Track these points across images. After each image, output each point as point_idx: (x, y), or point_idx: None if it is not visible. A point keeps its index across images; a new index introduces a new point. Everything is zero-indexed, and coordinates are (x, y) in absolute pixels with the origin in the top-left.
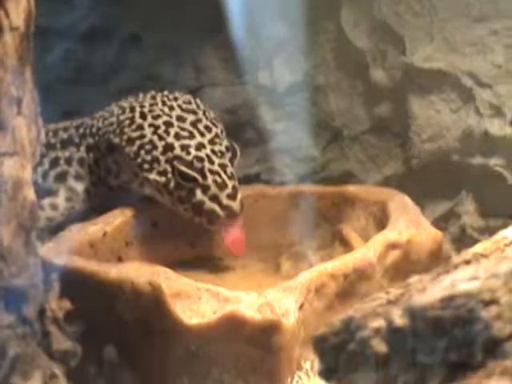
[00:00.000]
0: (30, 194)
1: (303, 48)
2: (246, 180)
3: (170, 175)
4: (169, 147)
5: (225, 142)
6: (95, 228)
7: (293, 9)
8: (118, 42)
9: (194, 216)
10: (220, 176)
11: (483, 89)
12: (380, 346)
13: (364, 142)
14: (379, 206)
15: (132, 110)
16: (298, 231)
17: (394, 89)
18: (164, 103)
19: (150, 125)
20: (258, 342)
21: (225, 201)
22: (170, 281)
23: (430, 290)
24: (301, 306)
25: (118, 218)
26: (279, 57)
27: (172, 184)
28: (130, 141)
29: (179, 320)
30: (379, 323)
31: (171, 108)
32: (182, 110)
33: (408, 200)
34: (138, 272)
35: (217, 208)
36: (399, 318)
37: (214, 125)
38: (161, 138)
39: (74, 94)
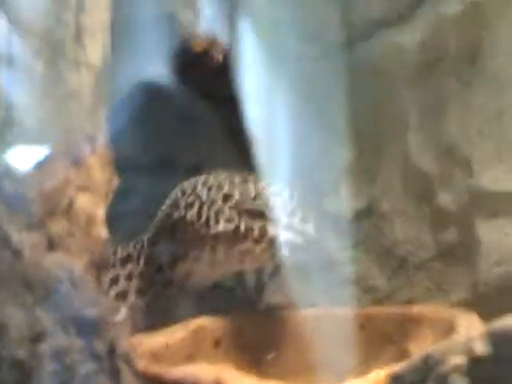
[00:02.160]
0: (103, 232)
1: (369, 174)
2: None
3: (236, 220)
4: (228, 196)
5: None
6: (158, 339)
7: (358, 134)
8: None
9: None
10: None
11: None
12: (459, 381)
13: (430, 269)
14: (447, 324)
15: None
16: (363, 352)
17: (461, 213)
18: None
19: (203, 187)
20: None
21: (298, 226)
22: (235, 379)
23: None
24: None
25: (179, 332)
26: (345, 183)
27: (242, 228)
28: (188, 206)
29: None
30: (459, 359)
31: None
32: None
33: (476, 318)
34: (203, 371)
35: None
36: (480, 346)
37: None
38: (218, 190)
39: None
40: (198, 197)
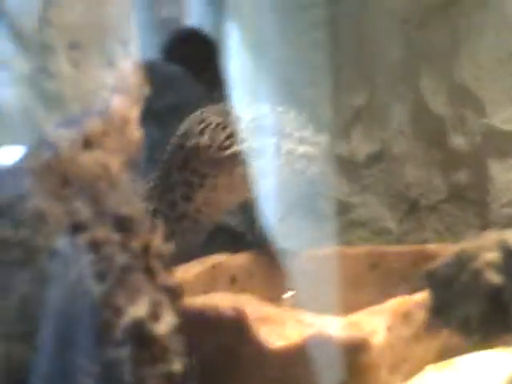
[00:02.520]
0: (137, 132)
1: (381, 117)
2: None
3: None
4: (238, 118)
5: None
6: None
7: (369, 78)
8: None
9: None
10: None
11: None
12: (494, 276)
13: (441, 211)
14: None
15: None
16: (376, 291)
17: (473, 154)
18: None
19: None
20: (345, 361)
21: (312, 138)
22: (254, 307)
23: None
24: (389, 329)
25: (196, 268)
26: (357, 126)
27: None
28: (200, 132)
29: (264, 344)
30: (493, 255)
31: None
32: None
33: None
34: (222, 299)
35: None
36: None
37: None
38: (227, 115)
39: None
40: (209, 123)
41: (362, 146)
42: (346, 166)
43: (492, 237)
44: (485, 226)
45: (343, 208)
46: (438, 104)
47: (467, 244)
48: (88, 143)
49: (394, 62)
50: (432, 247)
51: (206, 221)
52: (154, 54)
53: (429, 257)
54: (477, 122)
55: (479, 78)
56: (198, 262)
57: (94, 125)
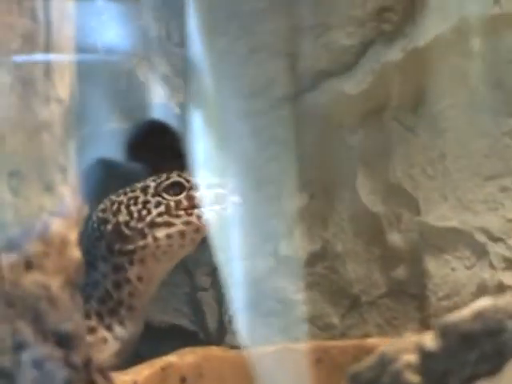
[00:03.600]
0: (77, 252)
1: (321, 218)
2: None
3: (163, 201)
4: (145, 188)
5: None
6: (125, 378)
7: (309, 181)
8: None
9: None
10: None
11: (496, 243)
12: (412, 377)
13: (382, 305)
14: None
15: None
16: None
17: (410, 251)
18: None
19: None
20: None
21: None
22: None
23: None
24: None
25: (146, 370)
26: (299, 227)
27: (172, 204)
28: (115, 213)
29: None
30: (411, 356)
31: None
32: None
33: None
34: None
35: None
36: (431, 341)
37: None
38: (133, 190)
39: None
40: (121, 201)
41: (304, 245)
42: (291, 264)
43: (411, 339)
44: (424, 319)
45: (290, 305)
46: (375, 203)
47: (388, 347)
48: (29, 265)
49: (332, 164)
50: (373, 341)
51: (140, 304)
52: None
53: (370, 350)
54: (412, 219)
55: (413, 178)
56: (147, 365)
57: (34, 247)
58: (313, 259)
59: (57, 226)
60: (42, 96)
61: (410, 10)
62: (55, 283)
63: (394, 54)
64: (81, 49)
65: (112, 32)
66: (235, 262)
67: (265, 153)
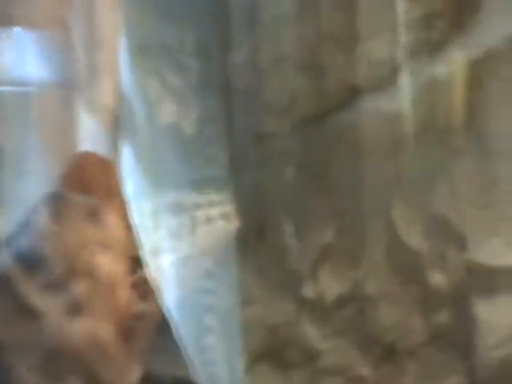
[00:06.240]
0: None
1: (351, 254)
2: None
3: None
4: None
5: None
6: None
7: (337, 212)
8: None
9: None
10: None
11: None
12: None
13: (421, 355)
14: None
15: None
16: None
17: (455, 292)
18: None
19: None
20: None
21: None
22: None
23: None
24: None
25: None
26: (325, 265)
27: None
28: None
29: None
30: None
31: None
32: None
33: None
34: None
35: None
36: None
37: None
38: None
39: None
40: None
41: (331, 287)
42: (314, 310)
43: None
44: (470, 371)
45: (312, 355)
46: (414, 237)
47: None
48: (75, 308)
49: (363, 193)
50: None
51: None
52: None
53: None
54: (457, 257)
55: (459, 208)
56: None
57: (81, 286)
58: (340, 302)
59: (104, 260)
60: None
61: (459, 17)
62: (106, 331)
63: (440, 67)
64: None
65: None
66: (250, 304)
67: (282, 179)
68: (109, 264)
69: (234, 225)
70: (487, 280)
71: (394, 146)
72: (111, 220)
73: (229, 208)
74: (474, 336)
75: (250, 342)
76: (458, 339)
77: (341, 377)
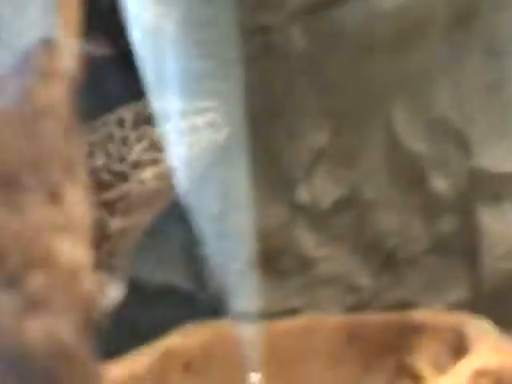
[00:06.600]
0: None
1: (348, 157)
2: (286, 315)
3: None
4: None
5: None
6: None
7: (333, 112)
8: None
9: None
10: None
11: None
12: None
13: (423, 264)
14: (454, 333)
15: None
16: (357, 367)
17: (459, 200)
18: None
19: None
20: None
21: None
22: None
23: None
24: None
25: (145, 358)
26: (320, 168)
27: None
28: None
29: None
30: None
31: None
32: None
33: (488, 327)
34: None
35: None
36: None
37: None
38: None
39: None
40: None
41: (327, 191)
42: (309, 215)
43: None
44: (475, 282)
45: (307, 263)
46: (415, 140)
47: None
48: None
49: (361, 92)
50: (419, 316)
51: (121, 263)
52: None
53: (415, 327)
54: (461, 162)
55: (462, 110)
56: (149, 349)
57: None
58: (337, 207)
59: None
60: None
61: None
62: (67, 329)
63: None
64: None
65: None
66: (240, 209)
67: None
68: (69, 250)
69: (221, 134)
70: (493, 187)
71: (395, 43)
72: (72, 197)
73: (216, 115)
74: (479, 246)
75: (241, 249)
76: (462, 249)
77: (338, 286)
